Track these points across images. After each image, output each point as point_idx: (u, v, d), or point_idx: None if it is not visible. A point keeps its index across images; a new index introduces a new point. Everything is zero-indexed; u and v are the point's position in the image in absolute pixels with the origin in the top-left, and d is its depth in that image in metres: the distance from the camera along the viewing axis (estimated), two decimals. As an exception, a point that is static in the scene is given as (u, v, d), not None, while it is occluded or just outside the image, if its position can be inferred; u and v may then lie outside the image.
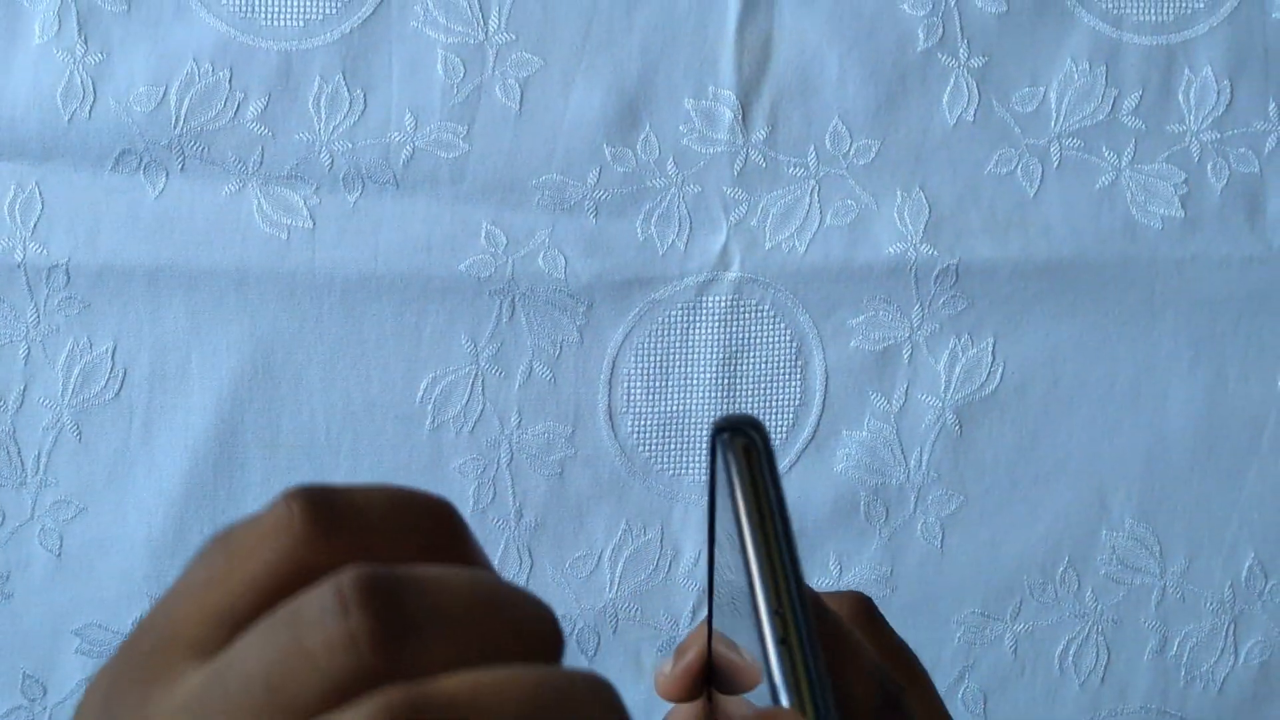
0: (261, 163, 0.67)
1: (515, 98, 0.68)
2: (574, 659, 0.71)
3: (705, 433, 0.27)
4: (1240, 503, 0.73)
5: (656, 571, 0.71)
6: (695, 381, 0.70)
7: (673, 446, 0.71)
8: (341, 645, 0.20)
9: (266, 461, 0.69)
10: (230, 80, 0.67)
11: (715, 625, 0.32)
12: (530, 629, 0.22)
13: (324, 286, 0.68)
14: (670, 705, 0.36)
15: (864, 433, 0.71)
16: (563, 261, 0.69)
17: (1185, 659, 0.73)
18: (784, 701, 0.26)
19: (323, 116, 0.67)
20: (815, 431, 0.71)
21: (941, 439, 0.71)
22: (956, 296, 0.70)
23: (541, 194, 0.69)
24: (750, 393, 0.70)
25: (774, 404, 0.70)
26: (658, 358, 0.70)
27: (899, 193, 0.70)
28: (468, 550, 0.24)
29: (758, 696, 0.28)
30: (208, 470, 0.68)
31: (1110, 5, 0.70)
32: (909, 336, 0.70)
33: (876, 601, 0.37)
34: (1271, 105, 0.71)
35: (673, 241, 0.69)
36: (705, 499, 0.29)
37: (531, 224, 0.69)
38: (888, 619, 0.37)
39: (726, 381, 0.70)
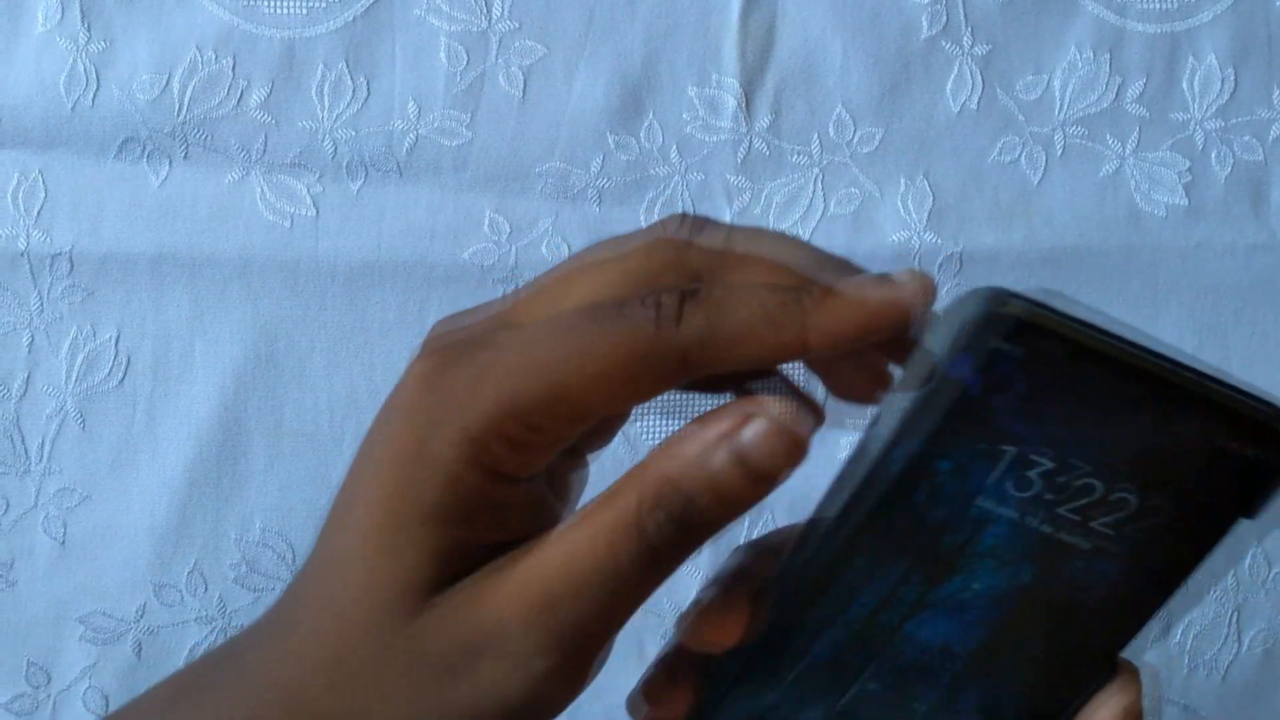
0: (264, 151, 0.67)
1: (518, 85, 0.68)
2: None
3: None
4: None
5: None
6: (698, 370, 0.70)
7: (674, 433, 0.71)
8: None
9: (270, 449, 0.69)
10: (233, 68, 0.67)
11: None
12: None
13: (327, 274, 0.68)
14: None
15: (867, 421, 0.71)
16: (566, 250, 0.69)
17: (1189, 647, 0.73)
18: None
19: (326, 104, 0.67)
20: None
21: (945, 427, 0.71)
22: (960, 285, 0.70)
23: (545, 182, 0.69)
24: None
25: (777, 392, 0.70)
26: (661, 346, 0.70)
27: (903, 181, 0.70)
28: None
29: None
30: (211, 458, 0.68)
31: (1114, -7, 0.70)
32: (912, 325, 0.70)
33: None
34: (1276, 93, 0.71)
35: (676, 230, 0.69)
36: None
37: (535, 212, 0.69)
38: None
39: (730, 370, 0.70)
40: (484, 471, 0.28)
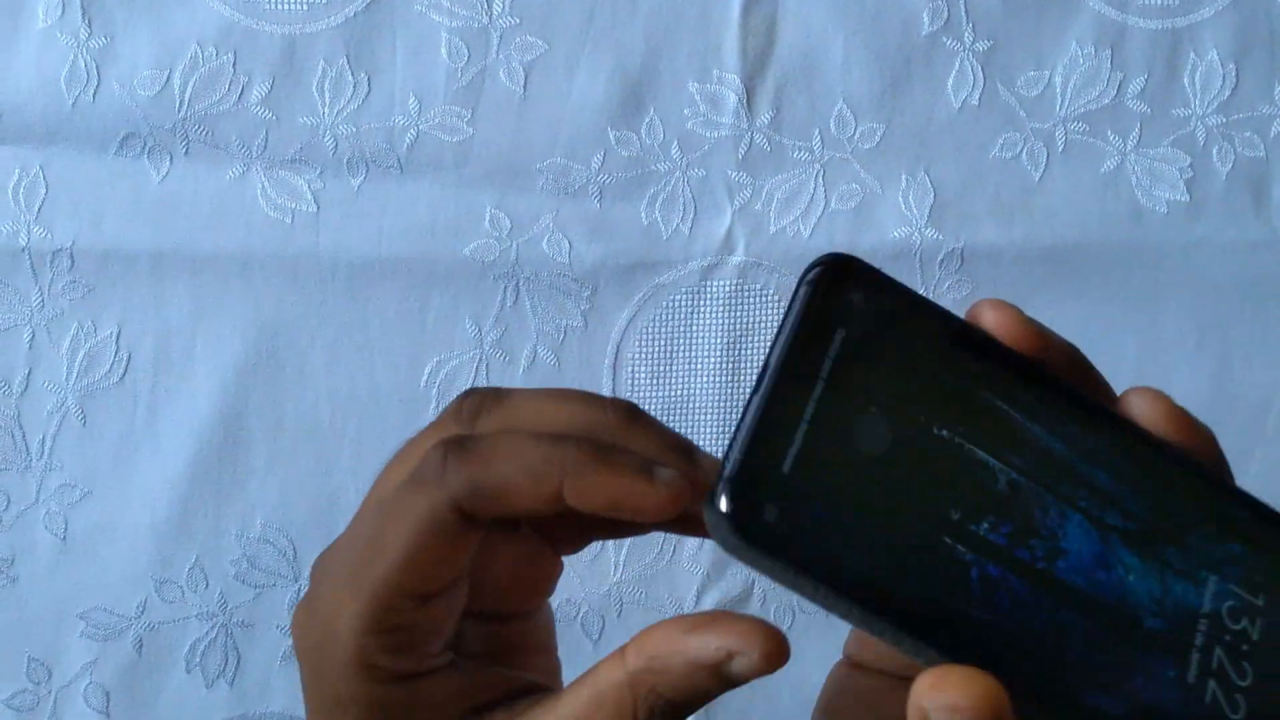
0: (265, 146, 0.67)
1: (519, 81, 0.68)
2: (578, 643, 0.71)
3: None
4: (1245, 488, 0.73)
5: (660, 556, 0.71)
6: (699, 366, 0.70)
7: (677, 430, 0.71)
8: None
9: (270, 445, 0.69)
10: (234, 64, 0.67)
11: None
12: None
13: (328, 271, 0.68)
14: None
15: (868, 417, 0.71)
16: (567, 245, 0.69)
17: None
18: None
19: (327, 100, 0.67)
20: (819, 416, 0.71)
21: (946, 424, 0.71)
22: (961, 281, 0.70)
23: (546, 178, 0.69)
24: (755, 377, 0.70)
25: (778, 388, 0.70)
26: (662, 342, 0.70)
27: (904, 177, 0.70)
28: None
29: None
30: (212, 454, 0.68)
31: (1116, -11, 0.70)
32: (913, 321, 0.70)
33: None
34: (1277, 89, 0.71)
35: (677, 225, 0.69)
36: None
37: (536, 208, 0.69)
38: None
39: (731, 366, 0.70)
40: (390, 681, 0.31)
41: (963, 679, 0.26)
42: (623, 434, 0.32)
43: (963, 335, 0.30)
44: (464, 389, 0.33)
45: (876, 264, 0.30)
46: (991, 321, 0.31)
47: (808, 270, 0.30)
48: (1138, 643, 0.28)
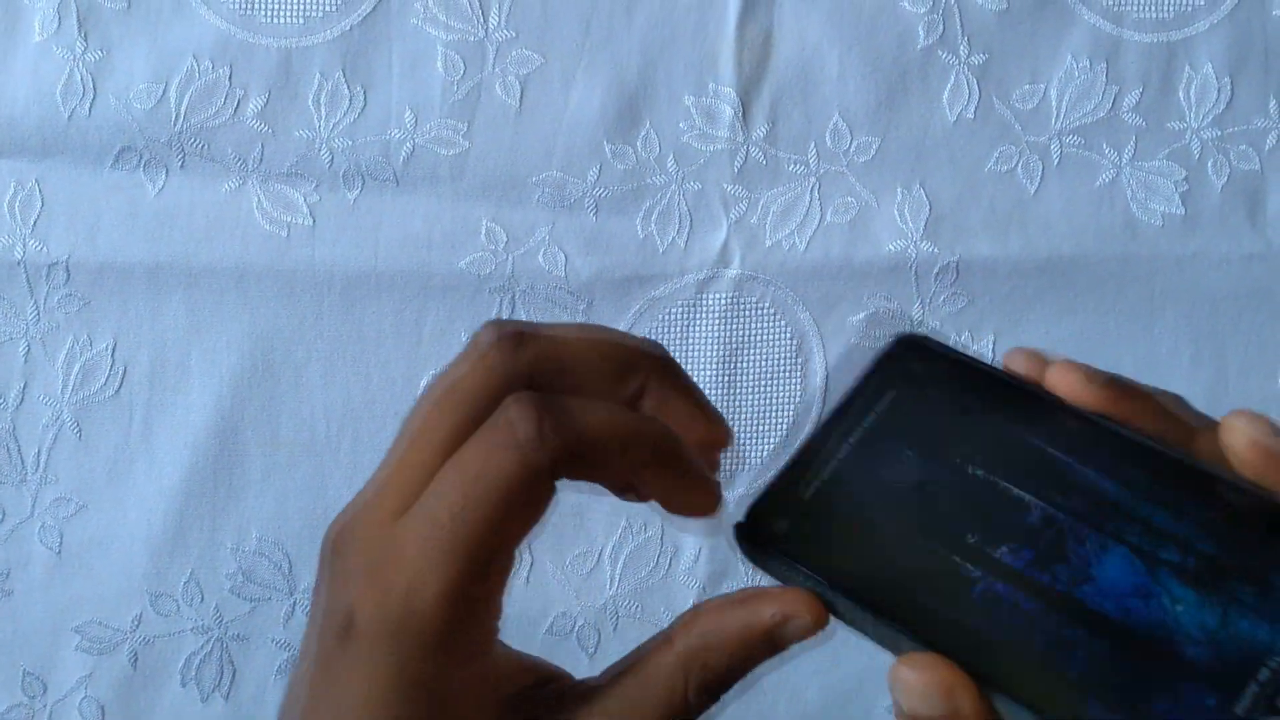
0: (261, 160, 0.67)
1: (515, 95, 0.68)
2: (574, 656, 0.71)
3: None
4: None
5: (656, 569, 0.71)
6: (695, 378, 0.70)
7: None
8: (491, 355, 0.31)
9: (266, 459, 0.69)
10: (230, 77, 0.67)
11: None
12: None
13: (324, 284, 0.68)
14: None
15: (864, 430, 0.71)
16: (563, 259, 0.69)
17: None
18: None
19: (323, 113, 0.67)
20: (815, 429, 0.71)
21: (942, 436, 0.71)
22: (957, 294, 0.70)
23: (541, 191, 0.69)
24: (751, 390, 0.70)
25: (774, 401, 0.70)
26: (658, 355, 0.70)
27: (899, 190, 0.70)
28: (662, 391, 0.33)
29: None
30: (207, 467, 0.68)
31: (1110, 2, 0.70)
32: (909, 334, 0.70)
33: None
34: (1272, 102, 0.71)
35: (673, 239, 0.69)
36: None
37: (532, 221, 0.69)
38: None
39: (727, 379, 0.70)
40: (462, 664, 0.31)
41: (916, 662, 0.29)
42: (658, 382, 0.33)
43: (1019, 391, 0.34)
44: (487, 321, 0.32)
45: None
46: (1062, 384, 0.33)
47: (887, 344, 0.35)
48: (1170, 668, 0.29)
